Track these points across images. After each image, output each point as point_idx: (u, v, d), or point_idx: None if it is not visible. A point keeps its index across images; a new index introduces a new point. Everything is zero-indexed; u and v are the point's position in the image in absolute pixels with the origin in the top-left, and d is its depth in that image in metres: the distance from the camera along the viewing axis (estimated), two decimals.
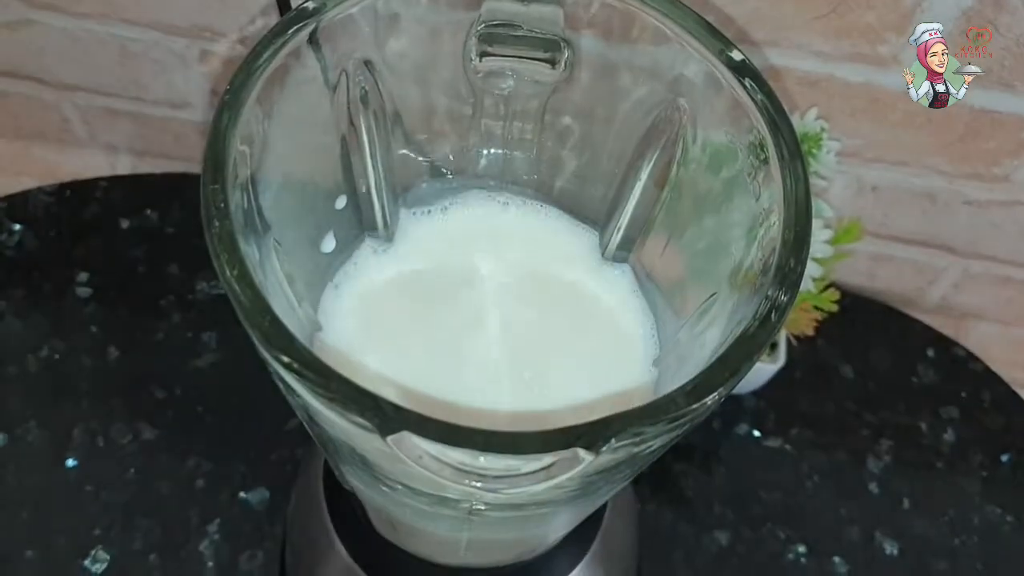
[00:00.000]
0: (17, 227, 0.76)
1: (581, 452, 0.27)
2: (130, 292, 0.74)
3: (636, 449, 0.29)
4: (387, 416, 0.27)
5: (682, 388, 0.29)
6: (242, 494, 0.66)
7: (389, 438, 0.27)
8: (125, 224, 0.77)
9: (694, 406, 0.29)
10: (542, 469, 0.27)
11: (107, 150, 0.84)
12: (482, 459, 0.27)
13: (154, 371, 0.70)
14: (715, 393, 0.29)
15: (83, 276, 0.74)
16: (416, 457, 0.27)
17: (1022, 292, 0.80)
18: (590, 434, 0.27)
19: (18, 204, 0.77)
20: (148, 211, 0.78)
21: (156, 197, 0.79)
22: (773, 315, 0.31)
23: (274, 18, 0.67)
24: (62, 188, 0.79)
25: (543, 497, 0.33)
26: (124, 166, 0.84)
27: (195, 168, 0.82)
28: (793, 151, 0.34)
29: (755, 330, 0.31)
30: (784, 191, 0.33)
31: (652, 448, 0.30)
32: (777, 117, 0.35)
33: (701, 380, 0.30)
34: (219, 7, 0.67)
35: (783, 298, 0.31)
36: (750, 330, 0.31)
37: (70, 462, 0.66)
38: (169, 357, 0.71)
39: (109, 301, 0.73)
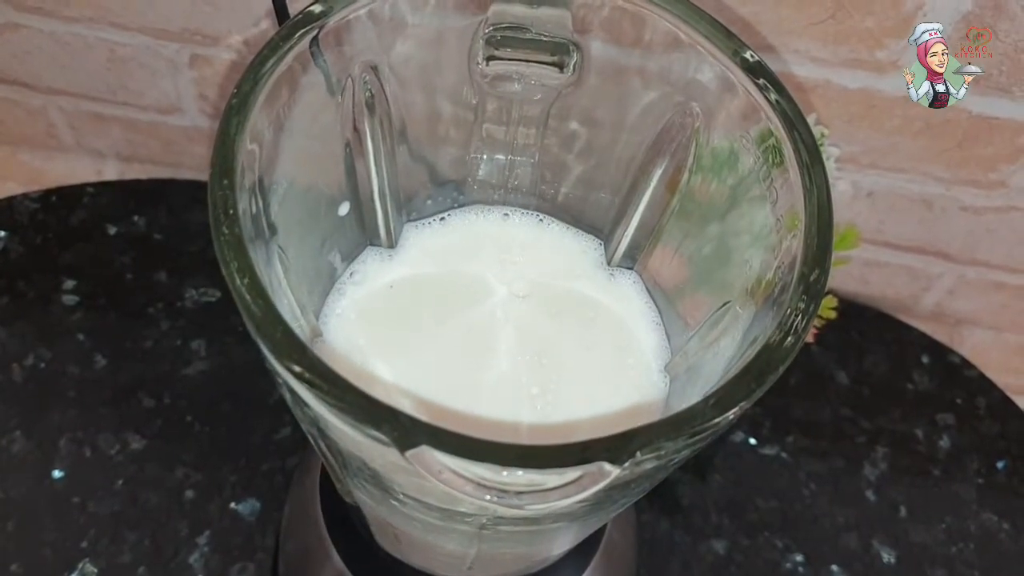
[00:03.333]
0: (2, 234, 0.75)
1: (607, 466, 0.26)
2: (117, 299, 0.73)
3: (659, 462, 0.28)
4: (406, 430, 0.26)
5: (706, 400, 0.29)
6: (232, 505, 0.65)
7: (408, 452, 0.26)
8: (112, 231, 0.76)
9: (718, 419, 0.28)
10: (566, 484, 0.27)
11: (94, 156, 0.82)
12: (505, 474, 0.26)
13: (142, 380, 0.69)
14: (739, 406, 0.29)
15: (69, 283, 0.73)
16: (436, 472, 0.26)
17: (1016, 298, 0.80)
18: (615, 448, 0.27)
19: (3, 210, 0.76)
20: (136, 217, 0.77)
21: (144, 203, 0.78)
22: (797, 326, 0.30)
23: (272, 24, 0.66)
24: (48, 194, 0.77)
25: (559, 511, 0.32)
26: (111, 172, 0.82)
27: (183, 174, 0.81)
28: (813, 154, 0.33)
29: (779, 341, 0.30)
30: (804, 196, 0.33)
31: (674, 460, 0.30)
32: (794, 118, 0.35)
33: (725, 392, 0.29)
34: (210, 11, 0.66)
35: (807, 308, 0.30)
36: (773, 341, 0.30)
37: (56, 473, 0.65)
38: (157, 365, 0.70)
39: (96, 309, 0.72)
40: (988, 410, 0.77)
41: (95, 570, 0.61)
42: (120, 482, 0.65)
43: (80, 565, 0.61)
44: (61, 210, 0.77)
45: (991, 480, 0.73)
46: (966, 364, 0.79)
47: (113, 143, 0.81)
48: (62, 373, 0.69)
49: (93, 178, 0.80)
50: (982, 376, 0.78)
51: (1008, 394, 0.77)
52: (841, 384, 0.77)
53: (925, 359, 0.79)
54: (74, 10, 0.68)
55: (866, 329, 0.80)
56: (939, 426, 0.75)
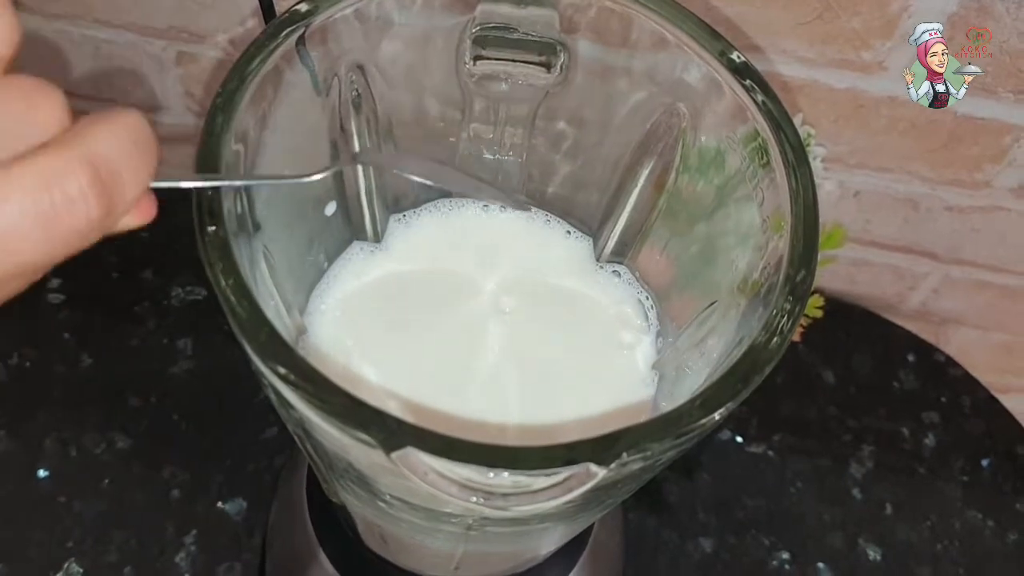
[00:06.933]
0: None
1: (593, 467, 0.26)
2: (104, 298, 0.72)
3: (646, 462, 0.28)
4: (392, 431, 0.26)
5: (691, 401, 0.29)
6: (219, 504, 0.65)
7: (394, 454, 0.26)
8: None
9: (704, 420, 0.28)
10: (553, 486, 0.27)
11: None
12: (491, 476, 0.26)
13: (128, 378, 0.69)
14: (725, 407, 0.29)
15: (55, 282, 0.72)
16: (422, 474, 0.26)
17: (1000, 297, 0.81)
18: (601, 449, 0.27)
19: None
20: None
21: None
22: (783, 326, 0.30)
23: (258, 23, 0.66)
24: None
25: (545, 512, 0.32)
26: None
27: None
28: (799, 155, 0.33)
29: (764, 342, 0.30)
30: (790, 197, 0.33)
31: (661, 461, 0.30)
32: (780, 118, 0.35)
33: (711, 393, 0.29)
34: (197, 9, 0.66)
35: (793, 309, 0.30)
36: (759, 342, 0.30)
37: (42, 472, 0.64)
38: (144, 364, 0.70)
39: (82, 307, 0.72)
40: (973, 408, 0.77)
41: (80, 570, 0.61)
42: (106, 481, 0.64)
43: (66, 565, 0.61)
44: None
45: (976, 478, 0.73)
46: (951, 363, 0.79)
47: None
48: (48, 372, 0.68)
49: None
50: (967, 375, 0.78)
51: (993, 392, 0.78)
52: (827, 383, 0.77)
53: (911, 358, 0.79)
54: (59, 6, 0.68)
55: (852, 328, 0.80)
56: (924, 424, 0.76)
